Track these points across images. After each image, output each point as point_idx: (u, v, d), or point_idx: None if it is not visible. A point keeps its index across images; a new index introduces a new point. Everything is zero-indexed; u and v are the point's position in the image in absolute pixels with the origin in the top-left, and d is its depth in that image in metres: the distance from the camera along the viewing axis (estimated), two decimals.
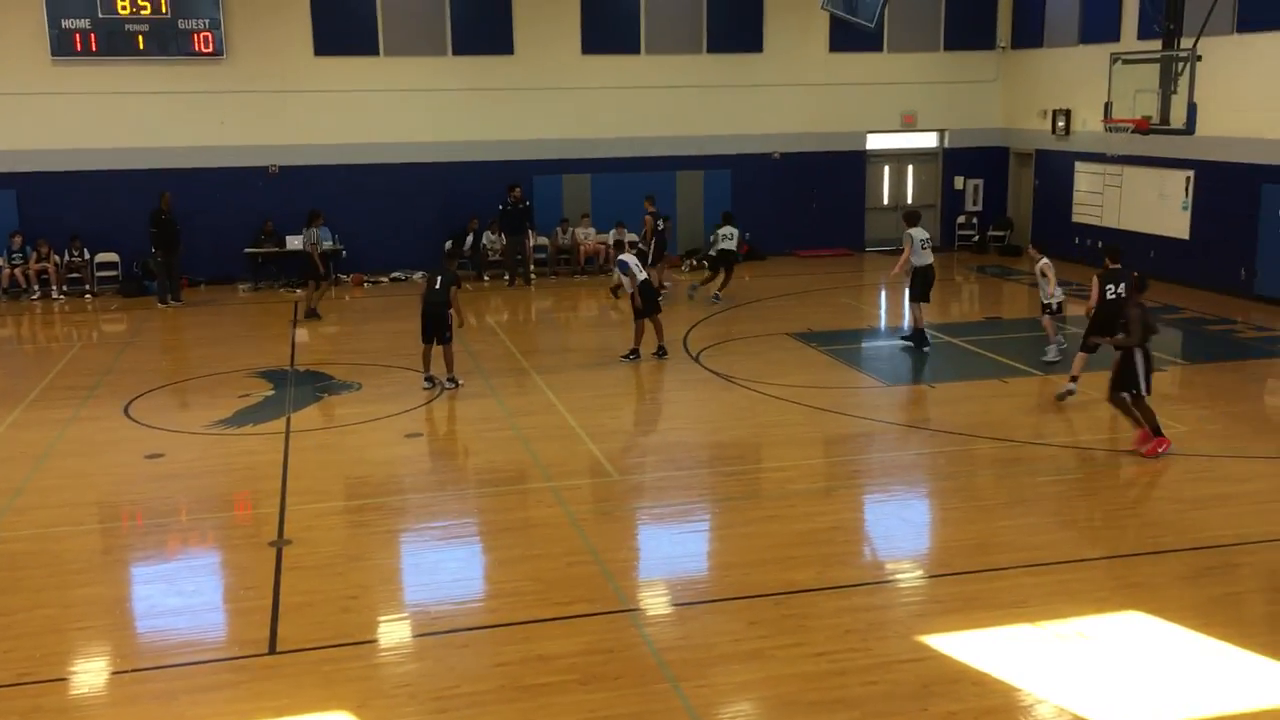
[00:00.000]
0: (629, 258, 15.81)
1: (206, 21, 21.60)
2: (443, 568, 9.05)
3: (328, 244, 20.77)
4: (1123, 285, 12.73)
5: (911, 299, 16.40)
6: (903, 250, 16.30)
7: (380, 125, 22.86)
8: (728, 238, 19.74)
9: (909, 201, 26.16)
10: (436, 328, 14.18)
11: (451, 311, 14.16)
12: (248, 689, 7.20)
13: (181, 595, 8.57)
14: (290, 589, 8.58)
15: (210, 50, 21.68)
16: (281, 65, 22.27)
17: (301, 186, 22.42)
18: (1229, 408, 13.18)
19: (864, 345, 17.37)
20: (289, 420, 13.15)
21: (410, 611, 8.33)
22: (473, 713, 6.84)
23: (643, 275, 15.65)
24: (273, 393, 14.45)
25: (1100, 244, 13.75)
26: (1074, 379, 13.45)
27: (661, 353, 15.78)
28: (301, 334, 18.23)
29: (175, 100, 21.79)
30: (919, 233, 16.04)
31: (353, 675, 7.33)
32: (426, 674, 7.35)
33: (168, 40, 21.49)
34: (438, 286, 14.15)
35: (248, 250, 22.33)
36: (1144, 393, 11.25)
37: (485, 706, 6.91)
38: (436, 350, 14.33)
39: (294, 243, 22.16)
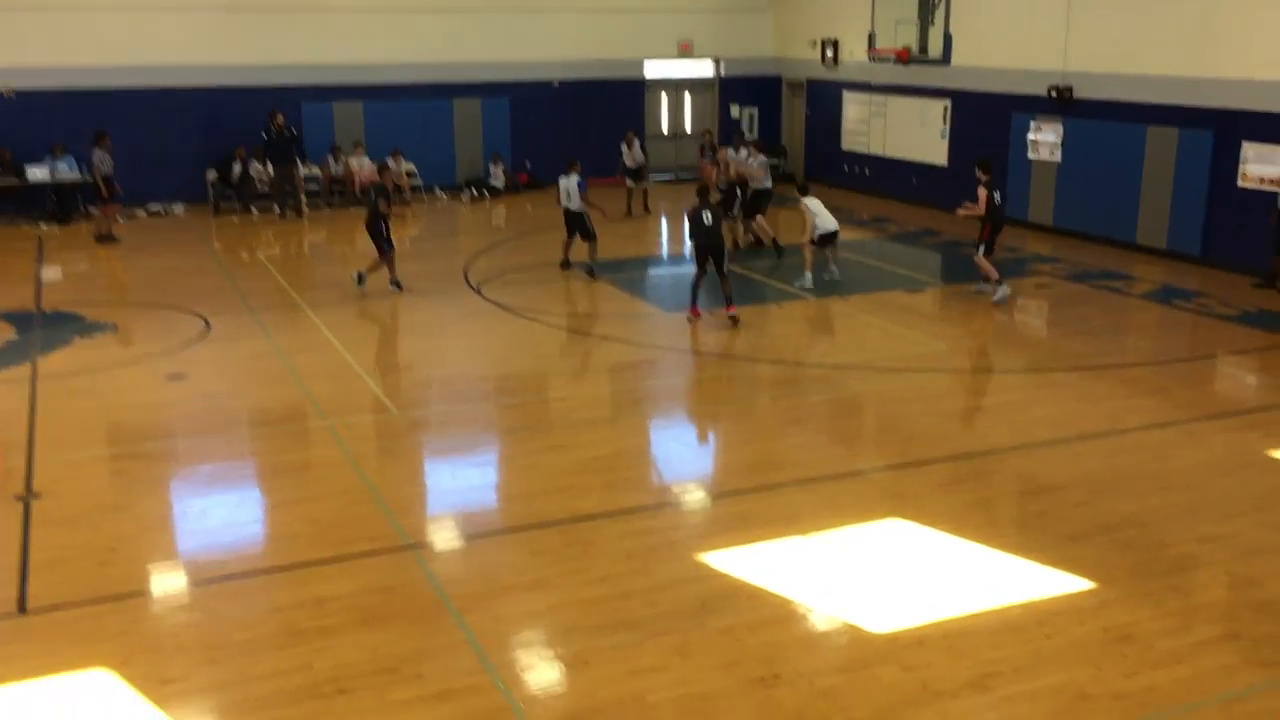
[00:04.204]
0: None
1: None
2: (211, 514, 8.63)
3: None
4: (998, 192, 14.61)
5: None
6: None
7: (130, 47, 21.27)
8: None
9: (687, 130, 26.43)
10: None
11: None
12: None
13: None
14: (40, 545, 8.00)
15: None
16: None
17: (44, 112, 20.71)
18: (982, 325, 14.01)
19: (644, 273, 17.54)
20: (35, 365, 12.21)
21: (177, 561, 7.92)
22: (246, 661, 6.58)
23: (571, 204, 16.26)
24: (16, 337, 13.38)
25: (977, 157, 15.38)
26: (1000, 281, 14.61)
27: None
28: (49, 273, 16.92)
29: None
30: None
31: (113, 631, 6.92)
32: (195, 624, 7.02)
33: None
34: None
35: None
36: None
37: (259, 654, 6.66)
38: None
39: (35, 173, 20.51)
